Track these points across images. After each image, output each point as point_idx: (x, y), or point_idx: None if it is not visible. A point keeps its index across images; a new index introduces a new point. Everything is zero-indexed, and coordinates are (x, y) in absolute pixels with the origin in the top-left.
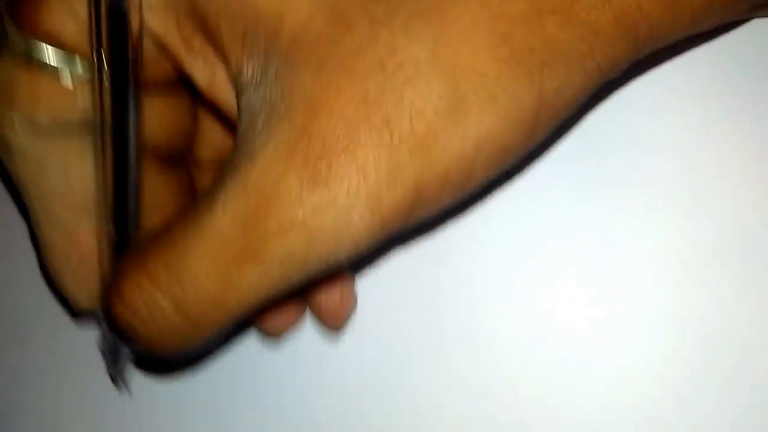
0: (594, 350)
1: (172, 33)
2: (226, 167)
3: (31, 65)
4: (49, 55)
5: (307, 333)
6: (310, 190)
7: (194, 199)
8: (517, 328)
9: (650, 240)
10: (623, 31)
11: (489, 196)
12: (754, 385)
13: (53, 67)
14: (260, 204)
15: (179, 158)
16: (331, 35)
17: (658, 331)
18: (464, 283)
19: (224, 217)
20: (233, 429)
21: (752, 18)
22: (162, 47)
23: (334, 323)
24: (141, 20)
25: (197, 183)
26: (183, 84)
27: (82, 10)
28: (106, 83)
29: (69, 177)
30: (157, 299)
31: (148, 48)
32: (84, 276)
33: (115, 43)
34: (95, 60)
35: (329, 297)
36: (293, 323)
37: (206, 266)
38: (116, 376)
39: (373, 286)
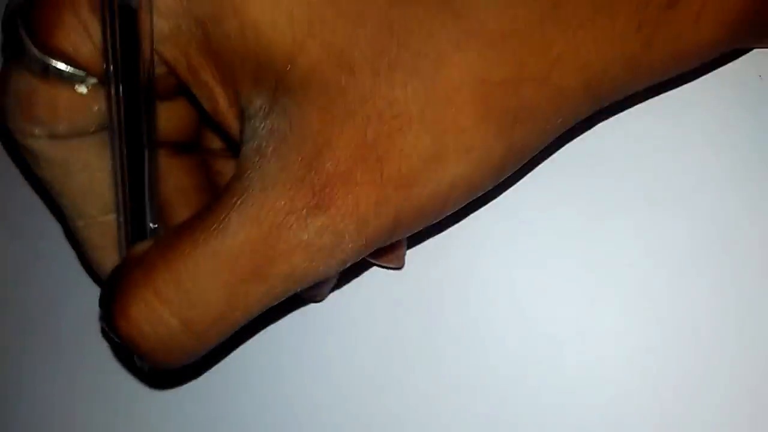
0: (590, 349)
1: (180, 62)
2: (234, 186)
3: (49, 78)
4: (66, 70)
5: (301, 333)
6: (314, 216)
7: (208, 181)
8: (515, 327)
9: (648, 239)
10: (589, 93)
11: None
12: (754, 385)
13: (69, 79)
14: (272, 229)
15: (191, 145)
16: (338, 82)
17: (656, 332)
18: (462, 283)
19: (236, 238)
20: (229, 427)
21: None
22: (171, 71)
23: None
24: (152, 44)
25: (211, 167)
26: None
27: (96, 31)
28: (120, 94)
29: (92, 175)
30: (165, 317)
31: (158, 67)
32: None
33: (127, 62)
34: (109, 75)
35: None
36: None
37: (215, 284)
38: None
39: (372, 287)
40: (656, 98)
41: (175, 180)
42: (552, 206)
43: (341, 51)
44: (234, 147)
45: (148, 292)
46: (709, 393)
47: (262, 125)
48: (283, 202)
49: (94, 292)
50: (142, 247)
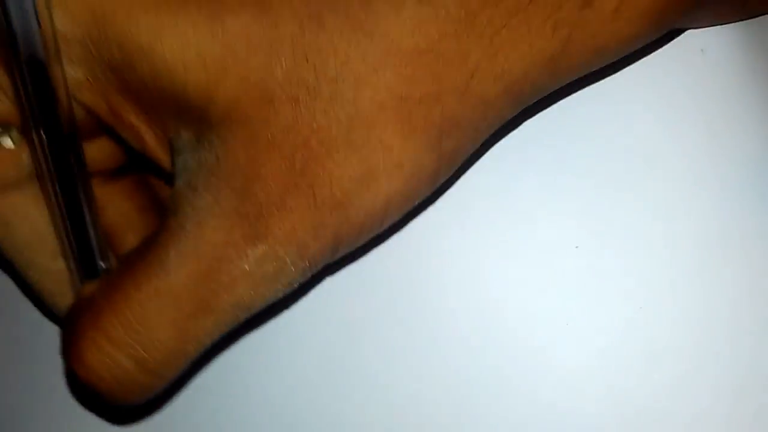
0: (585, 347)
1: (101, 106)
2: (170, 223)
3: None
4: None
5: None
6: (253, 246)
7: (151, 198)
8: (512, 326)
9: (644, 236)
10: (511, 98)
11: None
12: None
13: None
14: (212, 263)
15: (124, 167)
16: (258, 115)
17: (652, 330)
18: (457, 278)
19: (177, 276)
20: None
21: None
22: (93, 115)
23: None
24: (67, 91)
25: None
26: None
27: (8, 86)
28: (44, 144)
29: (35, 225)
30: (117, 358)
31: (79, 111)
32: None
33: (45, 112)
34: (29, 127)
35: None
36: None
37: (163, 322)
38: None
39: (360, 283)
40: (658, 94)
41: (115, 207)
42: (549, 203)
43: (258, 85)
44: (167, 175)
45: (98, 336)
46: (706, 393)
47: (192, 158)
48: (220, 235)
49: None
50: (89, 288)
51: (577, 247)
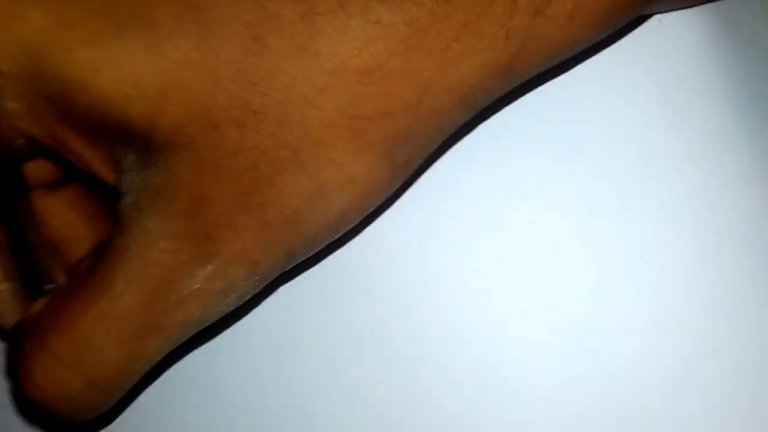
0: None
1: (43, 135)
2: (117, 243)
3: None
4: None
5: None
6: (202, 265)
7: (97, 205)
8: (510, 325)
9: (641, 235)
10: (464, 107)
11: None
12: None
13: None
14: (159, 284)
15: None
16: (204, 139)
17: (648, 329)
18: (455, 277)
19: (124, 297)
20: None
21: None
22: (36, 143)
23: None
24: (7, 122)
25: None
26: None
27: None
28: None
29: None
30: (67, 379)
31: (20, 140)
32: None
33: None
34: None
35: None
36: None
37: (111, 342)
38: None
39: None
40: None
41: (59, 218)
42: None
43: (202, 111)
44: (111, 189)
45: (46, 357)
46: (704, 393)
47: (138, 178)
48: (167, 257)
49: None
50: (36, 307)
51: (532, 222)
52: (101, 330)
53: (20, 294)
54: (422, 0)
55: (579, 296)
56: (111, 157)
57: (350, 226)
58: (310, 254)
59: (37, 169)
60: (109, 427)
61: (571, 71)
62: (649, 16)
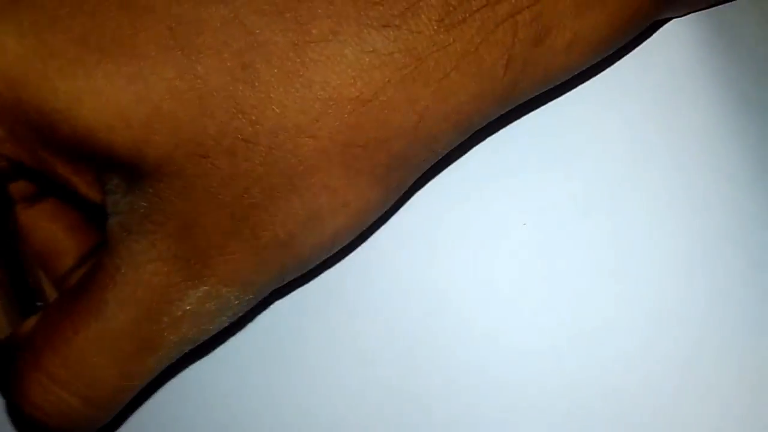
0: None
1: (27, 158)
2: (106, 265)
3: None
4: None
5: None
6: (195, 287)
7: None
8: (508, 325)
9: (642, 236)
10: (460, 131)
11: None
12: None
13: None
14: (151, 306)
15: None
16: (195, 170)
17: (647, 329)
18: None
19: (117, 319)
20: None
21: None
22: (19, 166)
23: None
24: None
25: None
26: None
27: None
28: None
29: None
30: (63, 397)
31: (1, 162)
32: None
33: None
34: None
35: None
36: None
37: (105, 362)
38: None
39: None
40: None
41: (42, 230)
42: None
43: (190, 140)
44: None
45: (41, 375)
46: (703, 393)
47: (124, 201)
48: (158, 279)
49: None
50: (28, 325)
51: (524, 224)
52: (95, 350)
53: (12, 309)
54: (420, 28)
55: (580, 298)
56: (96, 180)
57: (343, 245)
58: (303, 272)
59: (16, 185)
60: None
61: None
62: (663, 22)
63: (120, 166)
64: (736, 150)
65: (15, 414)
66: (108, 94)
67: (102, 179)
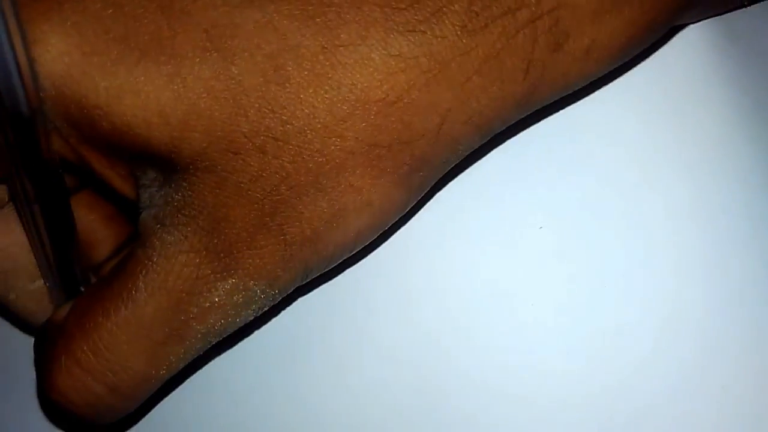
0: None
1: (66, 152)
2: (138, 254)
3: None
4: None
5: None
6: (223, 279)
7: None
8: (508, 325)
9: (609, 215)
10: (481, 134)
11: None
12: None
13: None
14: (181, 296)
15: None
16: (227, 166)
17: (646, 330)
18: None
19: (147, 308)
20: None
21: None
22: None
23: None
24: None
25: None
26: None
27: None
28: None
29: (8, 251)
30: (89, 384)
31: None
32: None
33: (30, 156)
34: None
35: None
36: None
37: (133, 350)
38: None
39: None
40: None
41: (80, 220)
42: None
43: (224, 137)
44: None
45: (70, 361)
46: (702, 393)
47: (158, 194)
48: (189, 270)
49: None
50: (61, 312)
51: (541, 227)
52: (124, 338)
53: (53, 293)
54: (444, 33)
55: (597, 301)
56: (130, 174)
57: (366, 244)
58: (327, 269)
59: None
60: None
61: None
62: (679, 28)
63: (156, 161)
64: (751, 155)
65: (43, 398)
66: (147, 92)
67: (135, 174)
